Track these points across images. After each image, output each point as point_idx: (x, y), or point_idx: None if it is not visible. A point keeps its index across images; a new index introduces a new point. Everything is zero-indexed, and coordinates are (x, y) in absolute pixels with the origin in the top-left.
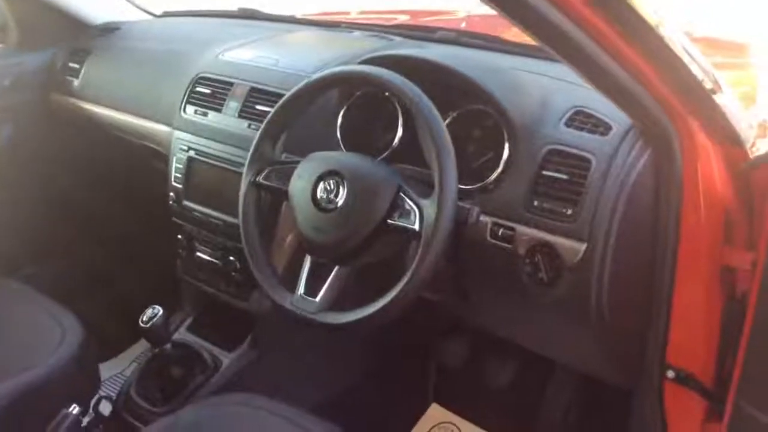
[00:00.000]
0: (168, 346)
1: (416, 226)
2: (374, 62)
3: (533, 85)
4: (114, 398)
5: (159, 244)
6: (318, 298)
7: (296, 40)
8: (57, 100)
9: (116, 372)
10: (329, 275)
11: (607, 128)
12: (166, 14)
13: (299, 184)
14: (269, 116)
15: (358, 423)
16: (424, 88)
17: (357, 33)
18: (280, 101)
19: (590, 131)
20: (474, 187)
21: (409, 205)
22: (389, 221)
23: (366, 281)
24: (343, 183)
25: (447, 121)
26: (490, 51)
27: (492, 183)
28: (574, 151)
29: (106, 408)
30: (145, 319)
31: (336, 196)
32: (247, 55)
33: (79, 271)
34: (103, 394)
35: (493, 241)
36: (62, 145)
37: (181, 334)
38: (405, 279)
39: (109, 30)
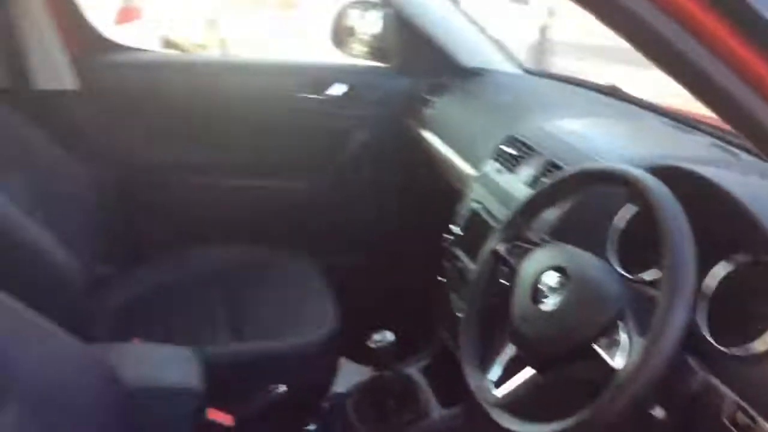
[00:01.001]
0: (388, 374)
1: (617, 364)
2: (671, 172)
3: None
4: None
5: (429, 277)
6: (500, 392)
7: (630, 127)
8: (408, 123)
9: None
10: (521, 371)
11: None
12: (531, 72)
13: (527, 267)
14: (532, 192)
15: None
16: (708, 219)
17: (705, 138)
18: (547, 182)
19: None
20: (726, 350)
21: (622, 338)
22: (593, 345)
23: (552, 390)
24: (565, 284)
25: (724, 265)
26: None
27: (752, 355)
28: None
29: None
30: (374, 338)
31: (553, 294)
32: (565, 128)
33: (360, 270)
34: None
35: (726, 422)
36: (399, 162)
37: (413, 369)
38: (585, 413)
39: (472, 74)
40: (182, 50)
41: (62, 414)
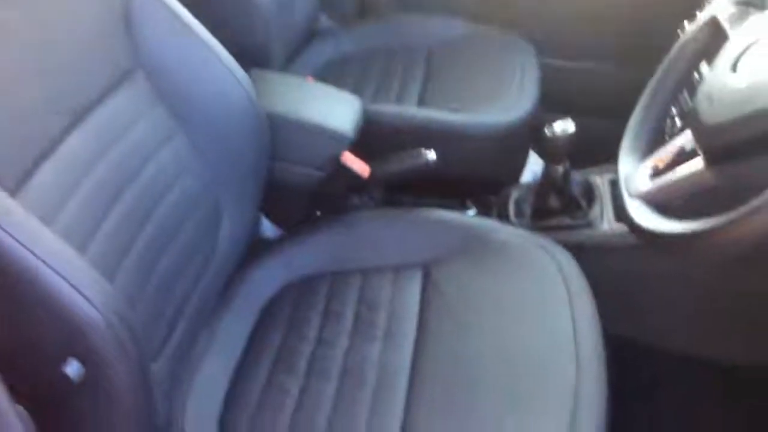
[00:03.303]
0: (559, 169)
1: None
2: None
3: None
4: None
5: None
6: (653, 184)
7: None
8: None
9: None
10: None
11: None
12: None
13: (741, 35)
14: None
15: None
16: None
17: None
18: None
19: None
20: None
21: None
22: None
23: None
24: None
25: None
26: None
27: None
28: None
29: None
30: (553, 127)
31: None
32: None
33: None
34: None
35: None
36: None
37: (595, 172)
38: (733, 215)
39: None
40: None
41: (179, 92)
